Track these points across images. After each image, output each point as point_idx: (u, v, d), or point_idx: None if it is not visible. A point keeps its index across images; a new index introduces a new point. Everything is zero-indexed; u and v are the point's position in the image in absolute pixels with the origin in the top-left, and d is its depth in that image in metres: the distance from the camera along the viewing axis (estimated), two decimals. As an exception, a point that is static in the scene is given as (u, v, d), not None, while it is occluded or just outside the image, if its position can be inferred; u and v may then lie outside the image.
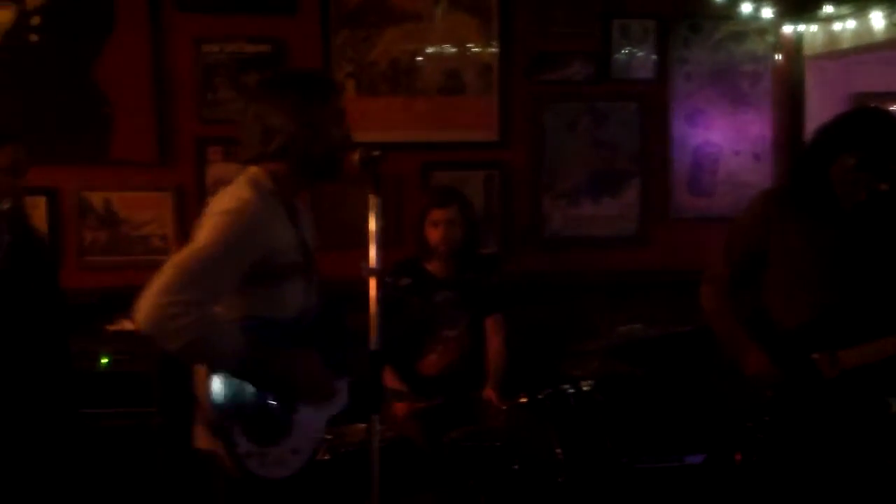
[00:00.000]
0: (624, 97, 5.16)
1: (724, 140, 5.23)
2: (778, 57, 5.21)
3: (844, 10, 4.76)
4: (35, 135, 4.46)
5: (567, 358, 4.02)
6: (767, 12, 4.92)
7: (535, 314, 4.89)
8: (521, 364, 4.27)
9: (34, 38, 4.74)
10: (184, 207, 4.85)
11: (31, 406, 3.20)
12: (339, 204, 4.04)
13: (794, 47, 5.17)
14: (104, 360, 4.37)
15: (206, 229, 2.47)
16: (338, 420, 2.82)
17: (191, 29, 4.83)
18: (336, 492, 3.37)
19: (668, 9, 5.16)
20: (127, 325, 4.53)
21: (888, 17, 4.53)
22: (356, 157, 2.55)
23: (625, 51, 5.13)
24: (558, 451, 3.69)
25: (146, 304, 2.36)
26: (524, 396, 3.85)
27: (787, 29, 5.13)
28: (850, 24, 4.80)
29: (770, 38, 5.20)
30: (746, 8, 4.88)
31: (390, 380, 4.10)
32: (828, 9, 4.76)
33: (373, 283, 2.50)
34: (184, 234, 4.78)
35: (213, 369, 2.45)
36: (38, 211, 4.61)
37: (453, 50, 5.03)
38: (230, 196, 2.56)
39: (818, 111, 4.98)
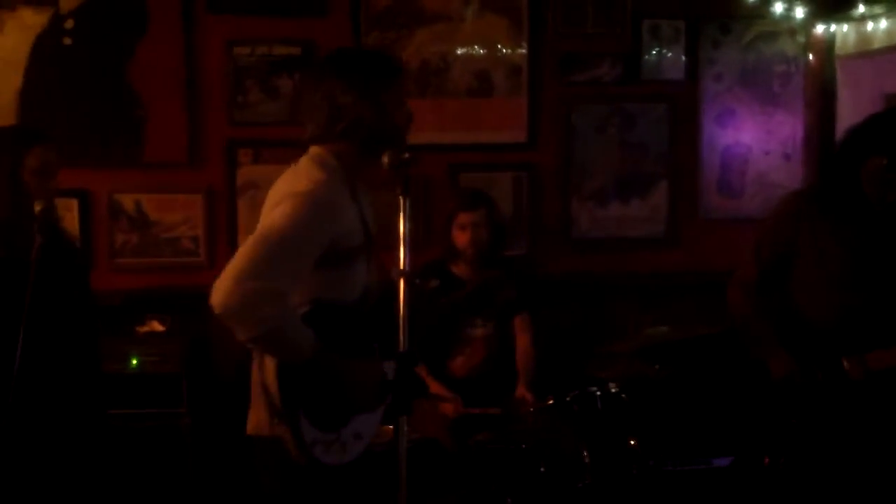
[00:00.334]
0: (653, 98, 5.14)
1: (754, 141, 5.20)
2: (809, 57, 5.17)
3: (877, 9, 4.71)
4: (68, 137, 4.53)
5: (594, 359, 4.01)
6: (799, 12, 4.88)
7: (562, 315, 4.90)
8: (548, 365, 4.27)
9: (68, 40, 4.77)
10: (214, 209, 4.89)
11: (61, 408, 3.23)
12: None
13: (826, 47, 5.13)
14: (134, 362, 4.41)
15: (282, 211, 2.44)
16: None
17: (222, 31, 4.86)
18: (365, 490, 3.38)
19: (698, 9, 5.13)
20: (157, 327, 4.59)
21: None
22: (386, 159, 2.55)
23: (654, 51, 5.12)
24: (585, 453, 3.69)
25: (226, 287, 2.31)
26: (551, 398, 3.85)
27: (819, 29, 5.09)
28: (883, 23, 4.76)
29: (801, 39, 5.17)
30: (778, 8, 4.85)
31: (434, 385, 4.12)
32: (860, 8, 4.71)
33: (402, 285, 2.50)
34: (214, 235, 4.87)
35: (281, 360, 2.44)
36: (70, 213, 4.65)
37: (483, 51, 5.04)
38: (302, 177, 2.55)
39: (849, 111, 4.94)
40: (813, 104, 5.18)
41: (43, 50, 4.75)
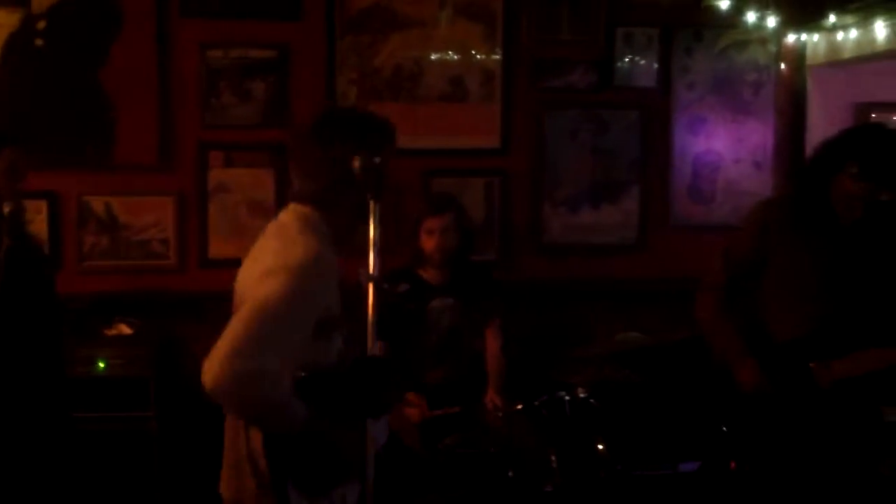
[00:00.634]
0: (626, 105, 5.16)
1: (725, 148, 5.24)
2: (781, 66, 5.20)
3: (848, 19, 4.75)
4: (38, 138, 4.50)
5: (563, 364, 4.02)
6: (771, 21, 4.91)
7: (532, 321, 4.90)
8: (518, 370, 4.27)
9: (40, 41, 4.74)
10: (184, 212, 4.86)
11: (25, 411, 3.21)
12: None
13: (797, 56, 5.16)
14: (101, 365, 4.36)
15: (277, 286, 2.35)
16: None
17: (196, 33, 4.83)
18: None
19: (671, 17, 5.15)
20: (124, 330, 4.56)
21: (891, 26, 4.52)
22: (357, 163, 2.53)
23: (628, 59, 5.14)
24: (553, 457, 3.69)
25: (217, 368, 2.24)
26: (520, 403, 3.86)
27: (790, 38, 5.13)
28: (853, 33, 4.80)
29: (772, 48, 5.20)
30: (750, 17, 4.87)
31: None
32: (831, 18, 4.75)
33: (371, 290, 2.49)
34: (184, 238, 4.85)
35: (273, 432, 2.40)
36: (39, 215, 4.63)
37: (456, 57, 5.04)
38: (296, 244, 2.46)
39: (820, 121, 4.98)
40: (784, 113, 5.21)
41: (14, 50, 4.72)
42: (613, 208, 5.19)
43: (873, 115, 5.15)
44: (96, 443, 4.29)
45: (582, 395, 3.85)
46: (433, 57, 5.02)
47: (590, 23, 5.09)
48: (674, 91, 5.19)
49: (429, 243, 4.18)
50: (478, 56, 5.05)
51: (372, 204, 2.46)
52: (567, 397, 3.85)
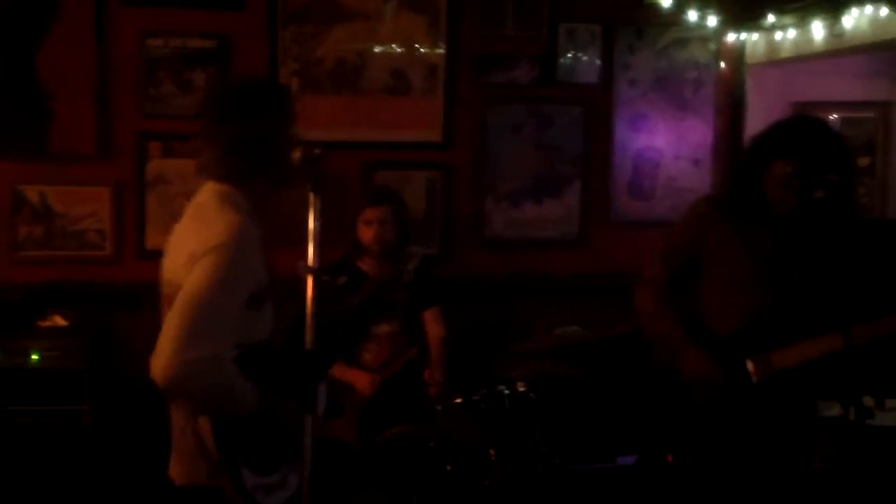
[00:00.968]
0: (568, 101, 5.19)
1: (666, 145, 5.29)
2: (721, 64, 5.26)
3: (786, 19, 4.81)
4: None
5: (503, 358, 4.02)
6: (712, 20, 4.96)
7: (473, 314, 4.90)
8: (457, 364, 4.27)
9: (-26, 29, 4.66)
10: (122, 203, 4.79)
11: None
12: (277, 201, 4.01)
13: (737, 55, 5.22)
14: (34, 357, 4.30)
15: (207, 269, 2.36)
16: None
17: (135, 21, 4.76)
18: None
19: (614, 14, 5.19)
20: (59, 322, 4.48)
21: (828, 27, 4.59)
22: (297, 154, 2.52)
23: (570, 55, 5.16)
24: (491, 451, 3.70)
25: (166, 362, 2.25)
26: (459, 397, 3.85)
27: (730, 37, 5.19)
28: (791, 33, 4.87)
29: (713, 46, 5.26)
30: (692, 16, 4.92)
31: (351, 372, 4.13)
32: (770, 18, 4.81)
33: (310, 282, 2.48)
34: (121, 229, 4.77)
35: (225, 417, 2.41)
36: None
37: (400, 50, 5.03)
38: (218, 222, 2.45)
39: (758, 119, 5.03)
40: (723, 111, 5.28)
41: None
42: (555, 203, 5.21)
43: (811, 115, 5.23)
44: (29, 436, 4.23)
45: (521, 390, 3.85)
46: (376, 49, 5.00)
47: (533, 18, 5.11)
48: (615, 87, 5.23)
49: (367, 234, 4.20)
50: (421, 49, 5.04)
51: (311, 196, 2.46)
52: (506, 391, 3.86)
